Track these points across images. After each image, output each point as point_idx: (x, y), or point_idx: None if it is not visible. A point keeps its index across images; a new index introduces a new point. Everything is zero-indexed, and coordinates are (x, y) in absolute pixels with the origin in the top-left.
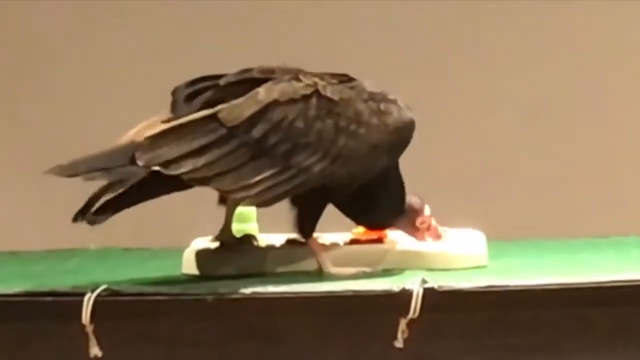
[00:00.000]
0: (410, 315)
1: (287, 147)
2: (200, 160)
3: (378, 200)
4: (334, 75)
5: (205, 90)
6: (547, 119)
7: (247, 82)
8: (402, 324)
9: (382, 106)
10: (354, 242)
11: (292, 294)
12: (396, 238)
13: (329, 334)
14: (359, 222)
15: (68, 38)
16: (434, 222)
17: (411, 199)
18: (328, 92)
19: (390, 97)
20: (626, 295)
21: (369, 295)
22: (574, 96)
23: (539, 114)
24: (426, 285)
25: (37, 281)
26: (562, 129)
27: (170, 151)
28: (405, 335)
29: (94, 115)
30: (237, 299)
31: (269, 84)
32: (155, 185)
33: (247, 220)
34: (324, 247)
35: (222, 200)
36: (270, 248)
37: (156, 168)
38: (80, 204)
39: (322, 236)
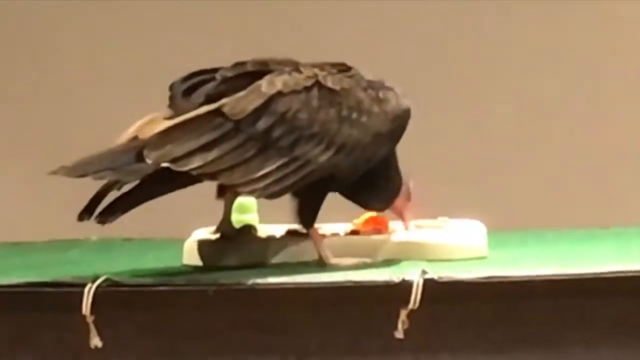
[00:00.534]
0: (411, 306)
1: (293, 138)
2: (209, 156)
3: (378, 184)
4: (332, 65)
5: (201, 84)
6: (548, 110)
7: (244, 76)
8: (403, 314)
9: (380, 94)
10: (354, 232)
11: (292, 284)
12: (397, 228)
13: (329, 324)
14: (362, 204)
15: (68, 38)
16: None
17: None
18: (329, 83)
19: (387, 84)
20: (626, 286)
21: (370, 285)
22: (574, 87)
23: (540, 104)
24: (426, 276)
25: (38, 272)
26: (562, 120)
27: (178, 147)
28: (406, 326)
29: (94, 107)
30: (237, 290)
31: (270, 76)
32: (164, 181)
33: (248, 211)
34: (325, 237)
35: (221, 194)
36: (271, 239)
37: (166, 165)
38: (81, 195)
39: (323, 227)
